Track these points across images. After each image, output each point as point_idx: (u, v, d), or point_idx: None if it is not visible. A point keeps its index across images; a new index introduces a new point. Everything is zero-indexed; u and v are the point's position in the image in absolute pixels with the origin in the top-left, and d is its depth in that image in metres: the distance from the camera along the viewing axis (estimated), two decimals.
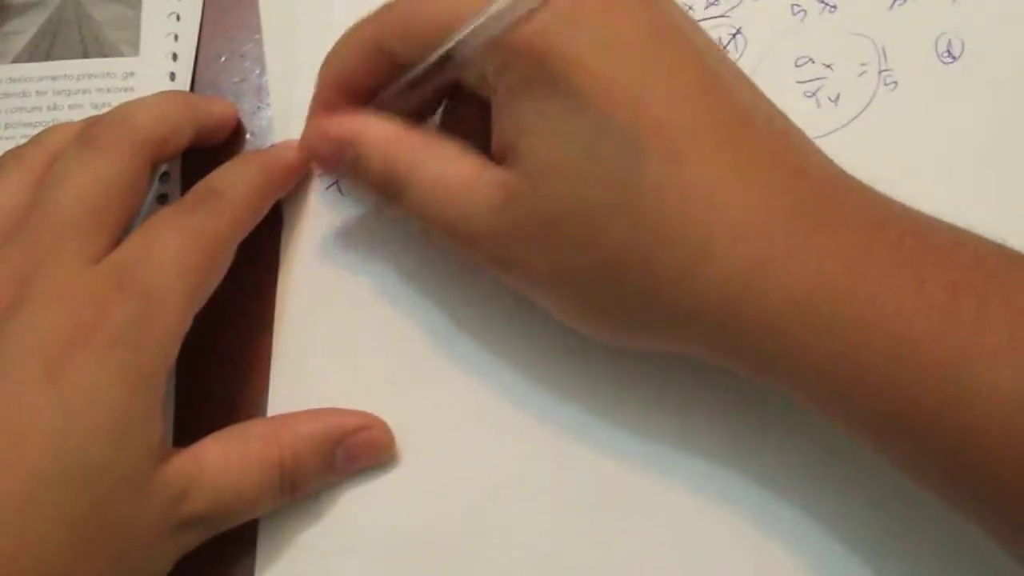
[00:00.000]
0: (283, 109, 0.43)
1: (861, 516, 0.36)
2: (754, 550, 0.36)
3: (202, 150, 0.42)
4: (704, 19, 0.41)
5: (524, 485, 0.38)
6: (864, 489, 0.36)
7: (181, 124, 0.39)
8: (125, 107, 0.38)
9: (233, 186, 0.38)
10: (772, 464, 0.37)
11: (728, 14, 0.41)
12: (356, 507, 0.38)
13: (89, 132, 0.37)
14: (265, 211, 0.40)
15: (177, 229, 0.36)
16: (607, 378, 0.38)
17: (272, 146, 0.42)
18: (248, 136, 0.44)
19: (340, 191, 0.42)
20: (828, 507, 0.36)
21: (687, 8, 0.41)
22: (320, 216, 0.42)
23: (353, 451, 0.37)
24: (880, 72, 0.40)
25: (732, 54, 0.41)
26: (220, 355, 0.41)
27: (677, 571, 0.36)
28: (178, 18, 0.45)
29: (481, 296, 0.40)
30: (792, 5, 0.41)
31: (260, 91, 0.44)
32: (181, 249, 0.35)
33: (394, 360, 0.40)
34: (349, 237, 0.41)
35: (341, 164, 0.37)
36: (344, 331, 0.40)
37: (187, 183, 0.42)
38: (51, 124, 0.43)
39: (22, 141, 0.43)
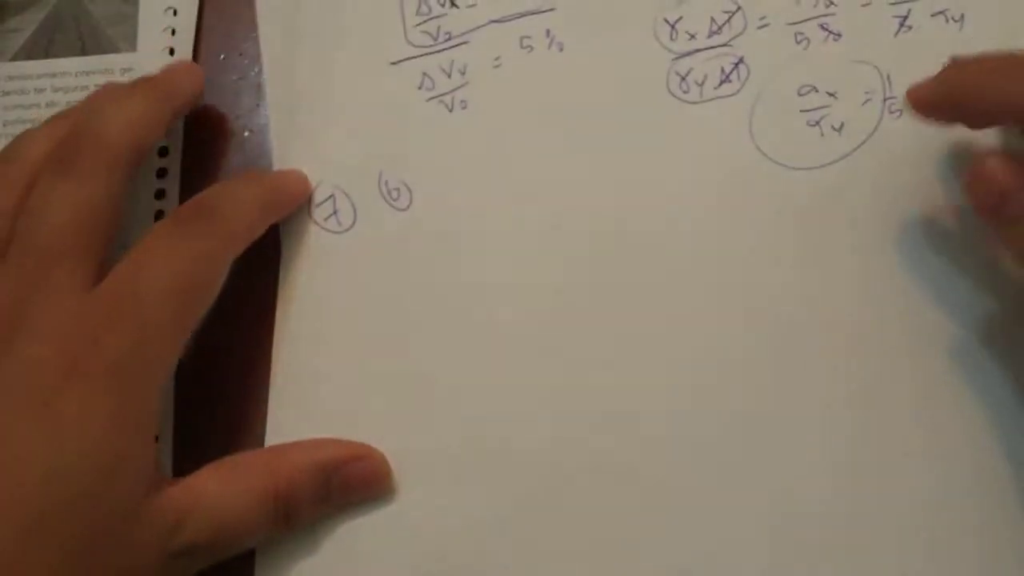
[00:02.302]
0: (280, 106, 0.44)
1: None
2: None
3: (202, 152, 0.43)
4: (706, 48, 0.41)
5: (526, 516, 0.38)
6: None
7: (154, 121, 0.39)
8: (95, 119, 0.38)
9: (232, 206, 0.38)
10: None
11: (731, 43, 0.41)
12: (354, 539, 0.38)
13: (63, 155, 0.37)
14: (261, 232, 0.40)
15: (171, 252, 0.36)
16: (608, 403, 0.39)
17: (277, 172, 0.42)
18: (246, 134, 0.44)
19: (337, 222, 0.42)
20: None
21: (689, 37, 0.41)
22: (320, 236, 0.42)
23: (348, 481, 0.38)
24: (885, 100, 0.40)
25: (734, 84, 0.41)
26: (220, 356, 0.42)
27: None
28: (175, 13, 0.46)
29: (486, 316, 0.40)
30: (795, 33, 0.41)
31: (259, 89, 0.45)
32: (174, 275, 0.35)
33: (395, 383, 0.40)
34: (349, 254, 0.42)
35: (1001, 214, 0.34)
36: (344, 352, 0.41)
37: (185, 183, 0.44)
38: None
39: None
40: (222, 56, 0.45)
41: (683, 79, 0.41)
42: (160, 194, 0.43)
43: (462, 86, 0.43)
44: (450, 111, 0.42)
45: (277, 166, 0.43)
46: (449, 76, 0.43)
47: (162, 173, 0.44)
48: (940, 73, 0.35)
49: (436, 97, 0.43)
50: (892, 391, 0.37)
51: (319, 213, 0.42)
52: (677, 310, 0.39)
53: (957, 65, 0.35)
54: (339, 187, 0.42)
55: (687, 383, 0.39)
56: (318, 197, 0.42)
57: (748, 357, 0.38)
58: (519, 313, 0.40)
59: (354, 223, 0.42)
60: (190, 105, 0.42)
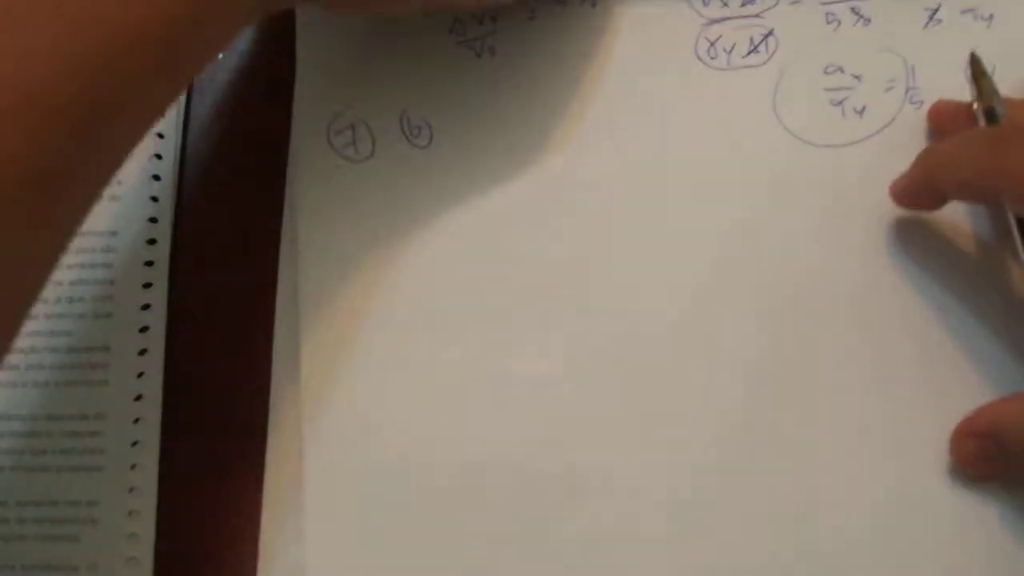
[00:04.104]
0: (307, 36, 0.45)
1: None
2: None
3: (201, 152, 0.43)
4: (737, 17, 0.42)
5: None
6: None
7: None
8: None
9: None
10: None
11: (762, 15, 0.42)
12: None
13: None
14: None
15: None
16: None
17: None
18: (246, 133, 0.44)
19: (355, 151, 0.43)
20: None
21: (722, 4, 0.42)
22: (336, 162, 0.43)
23: None
24: (907, 90, 0.40)
25: (762, 55, 0.42)
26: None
27: None
28: None
29: (493, 256, 0.41)
30: (827, 13, 0.42)
31: (258, 88, 0.45)
32: None
33: (396, 310, 0.41)
34: (364, 183, 0.42)
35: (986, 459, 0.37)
36: (350, 275, 0.41)
37: (183, 184, 0.44)
38: None
39: None
40: (221, 55, 0.45)
41: (712, 45, 0.42)
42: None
43: (492, 33, 0.43)
44: (478, 56, 0.43)
45: (298, 92, 0.44)
46: (480, 23, 0.44)
47: (157, 177, 0.44)
48: (915, 161, 0.38)
49: (465, 42, 0.44)
50: (892, 366, 0.38)
51: (338, 141, 0.43)
52: (677, 267, 0.40)
53: (925, 152, 0.38)
54: (360, 119, 0.43)
55: (689, 329, 0.39)
56: (339, 124, 0.43)
57: (754, 322, 0.39)
58: (523, 255, 0.41)
59: (372, 154, 0.43)
60: None
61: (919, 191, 0.38)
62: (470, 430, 0.39)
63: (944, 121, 0.39)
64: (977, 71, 0.38)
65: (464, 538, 0.38)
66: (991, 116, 0.37)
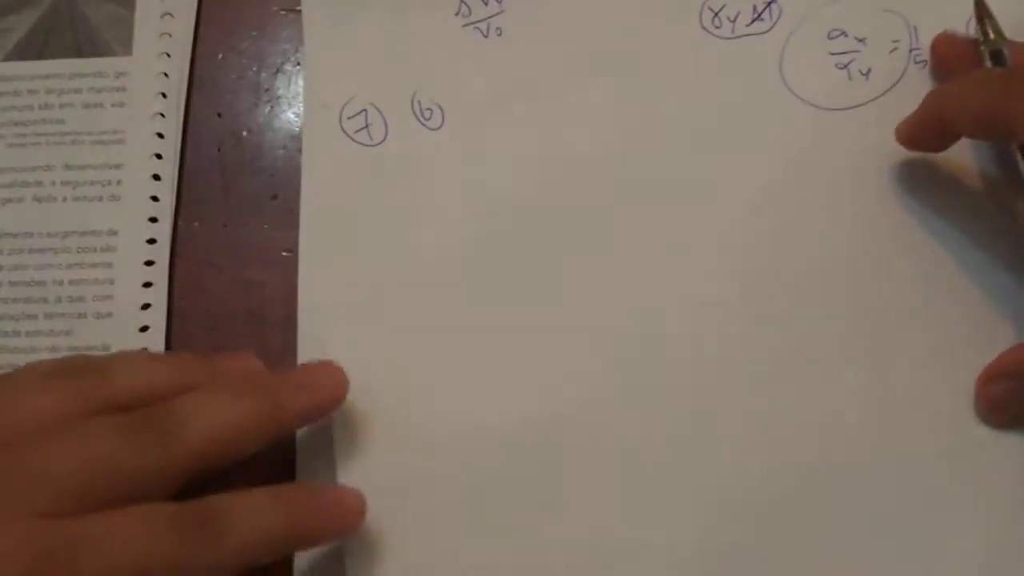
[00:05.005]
0: (315, 23, 0.45)
1: None
2: None
3: (200, 152, 0.43)
4: None
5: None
6: None
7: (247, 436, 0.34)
8: (186, 414, 0.33)
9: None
10: None
11: None
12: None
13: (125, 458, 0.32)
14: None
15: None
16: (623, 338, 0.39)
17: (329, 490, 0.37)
18: (245, 134, 0.44)
19: (368, 135, 0.43)
20: None
21: None
22: (349, 147, 0.43)
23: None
24: (911, 51, 0.41)
25: (766, 22, 0.42)
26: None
27: None
28: (172, 17, 0.46)
29: (509, 236, 0.41)
30: None
31: (258, 88, 0.45)
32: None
33: (411, 295, 0.41)
34: (378, 167, 0.43)
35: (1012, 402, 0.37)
36: (366, 261, 0.41)
37: (183, 183, 0.43)
38: (42, 123, 0.44)
39: (14, 140, 0.44)
40: (220, 55, 0.46)
41: (716, 14, 0.43)
42: (154, 199, 0.43)
43: (498, 13, 0.44)
44: (485, 37, 0.44)
45: (309, 79, 0.44)
46: (486, 4, 0.44)
47: (157, 177, 0.43)
48: (923, 101, 0.38)
49: (472, 24, 0.44)
50: (914, 320, 0.38)
51: (350, 125, 0.43)
52: (692, 239, 0.40)
53: (934, 92, 0.38)
54: (372, 103, 0.43)
55: (694, 304, 0.40)
56: (350, 111, 0.43)
57: (773, 285, 0.39)
58: (539, 236, 0.41)
59: (385, 138, 0.43)
60: (304, 423, 0.38)
61: (927, 130, 0.38)
62: (493, 408, 0.39)
63: (948, 54, 0.40)
64: (982, 12, 0.39)
65: (497, 513, 0.38)
66: (998, 57, 0.38)
